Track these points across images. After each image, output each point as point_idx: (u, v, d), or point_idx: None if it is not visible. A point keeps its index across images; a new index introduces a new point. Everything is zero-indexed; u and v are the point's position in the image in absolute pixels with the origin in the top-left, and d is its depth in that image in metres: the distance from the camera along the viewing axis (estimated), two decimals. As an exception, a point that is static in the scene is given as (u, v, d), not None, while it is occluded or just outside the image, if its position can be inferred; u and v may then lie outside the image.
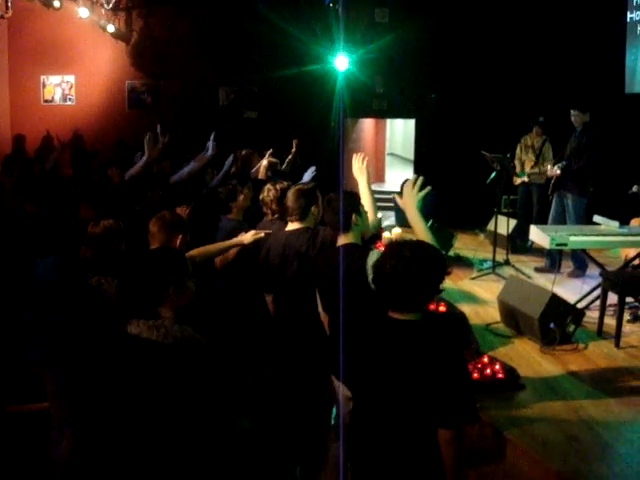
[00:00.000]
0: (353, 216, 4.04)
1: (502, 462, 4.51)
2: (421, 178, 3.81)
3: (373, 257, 3.81)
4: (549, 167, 8.62)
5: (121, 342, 3.09)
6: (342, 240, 4.08)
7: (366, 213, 4.21)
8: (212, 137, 6.88)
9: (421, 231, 3.64)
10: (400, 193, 3.89)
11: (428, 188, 3.69)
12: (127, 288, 3.19)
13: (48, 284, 4.30)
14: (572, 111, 8.44)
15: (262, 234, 4.79)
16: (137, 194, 5.88)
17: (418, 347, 2.78)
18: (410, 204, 3.73)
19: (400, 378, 2.78)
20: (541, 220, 9.01)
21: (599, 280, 6.71)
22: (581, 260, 8.32)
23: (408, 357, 2.77)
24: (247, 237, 4.80)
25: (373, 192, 4.48)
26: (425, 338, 2.82)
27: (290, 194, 4.68)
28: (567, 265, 8.59)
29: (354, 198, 4.16)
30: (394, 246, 2.94)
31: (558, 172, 8.27)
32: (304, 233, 4.60)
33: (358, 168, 4.48)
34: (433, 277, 2.85)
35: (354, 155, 4.53)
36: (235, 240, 4.87)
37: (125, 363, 3.08)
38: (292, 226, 4.70)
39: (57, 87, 14.35)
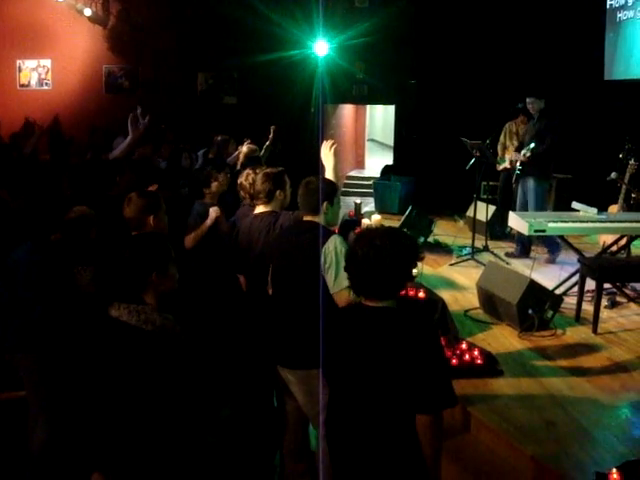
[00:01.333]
0: (324, 204, 4.04)
1: (468, 436, 4.59)
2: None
3: (334, 242, 3.84)
4: (513, 155, 8.75)
5: (100, 324, 3.07)
6: (308, 218, 4.11)
7: (339, 206, 4.23)
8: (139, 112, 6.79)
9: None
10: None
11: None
12: (109, 274, 3.17)
13: (24, 270, 4.26)
14: (528, 98, 8.59)
15: (218, 211, 5.41)
16: (108, 179, 5.83)
17: (393, 333, 2.78)
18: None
19: (376, 365, 2.77)
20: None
21: (577, 266, 6.74)
22: (554, 244, 8.37)
23: (383, 344, 2.77)
24: (211, 215, 5.47)
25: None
26: (400, 324, 2.82)
27: (258, 177, 4.73)
28: (538, 252, 8.71)
29: (330, 186, 4.16)
30: (365, 234, 2.96)
31: (528, 155, 8.33)
32: (268, 216, 4.61)
33: (325, 154, 4.56)
34: (405, 264, 2.86)
35: (324, 141, 4.60)
36: (208, 220, 5.44)
37: (102, 345, 3.06)
38: (258, 209, 4.74)
39: (33, 71, 14.17)
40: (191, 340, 3.17)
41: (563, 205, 8.99)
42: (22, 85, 14.23)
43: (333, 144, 4.56)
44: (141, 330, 2.98)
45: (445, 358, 2.88)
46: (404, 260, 2.85)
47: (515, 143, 9.75)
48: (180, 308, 3.30)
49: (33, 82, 14.22)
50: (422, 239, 9.15)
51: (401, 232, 3.05)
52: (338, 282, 3.73)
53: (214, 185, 5.80)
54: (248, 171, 5.31)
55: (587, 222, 6.79)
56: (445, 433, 2.90)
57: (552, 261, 8.37)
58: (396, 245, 2.83)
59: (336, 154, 4.55)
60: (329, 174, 4.47)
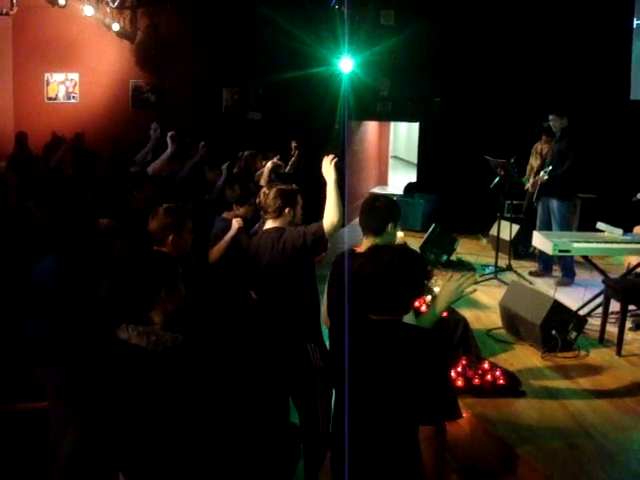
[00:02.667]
0: (389, 224, 4.03)
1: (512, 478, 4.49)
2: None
3: None
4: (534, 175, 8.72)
5: (110, 346, 3.06)
6: (368, 242, 4.04)
7: (398, 228, 4.22)
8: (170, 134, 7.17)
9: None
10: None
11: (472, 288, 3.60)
12: (118, 291, 3.15)
13: (47, 281, 4.29)
14: (550, 116, 8.49)
15: (241, 222, 5.44)
16: (128, 191, 5.90)
17: (398, 344, 2.78)
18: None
19: (380, 377, 2.77)
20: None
21: (601, 287, 6.68)
22: (570, 270, 8.32)
23: (388, 354, 2.77)
24: (234, 226, 5.47)
25: (341, 194, 4.42)
26: (404, 335, 2.82)
27: (270, 192, 4.70)
28: (559, 271, 8.65)
29: (397, 207, 4.15)
30: (374, 250, 2.97)
31: (545, 177, 8.30)
32: (274, 233, 4.60)
33: (326, 169, 4.46)
34: (413, 281, 2.87)
35: (325, 156, 4.52)
36: (230, 232, 5.47)
37: (114, 368, 3.05)
38: (268, 224, 4.73)
39: (61, 85, 14.32)
40: (202, 358, 3.16)
41: (588, 225, 8.92)
42: (50, 98, 14.38)
43: (333, 159, 4.45)
44: (152, 352, 2.95)
45: (448, 370, 2.87)
46: (412, 277, 2.86)
47: (539, 162, 9.72)
48: (190, 324, 3.28)
49: (61, 95, 14.37)
50: (445, 257, 9.12)
51: (410, 250, 3.05)
52: None
53: (246, 207, 5.82)
54: (265, 190, 5.34)
55: (612, 243, 6.74)
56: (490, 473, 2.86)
57: (566, 284, 8.27)
58: (404, 262, 2.85)
59: (337, 168, 4.48)
60: (330, 189, 4.37)
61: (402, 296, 2.87)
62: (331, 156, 4.52)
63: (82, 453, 4.32)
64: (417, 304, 5.49)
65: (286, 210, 4.65)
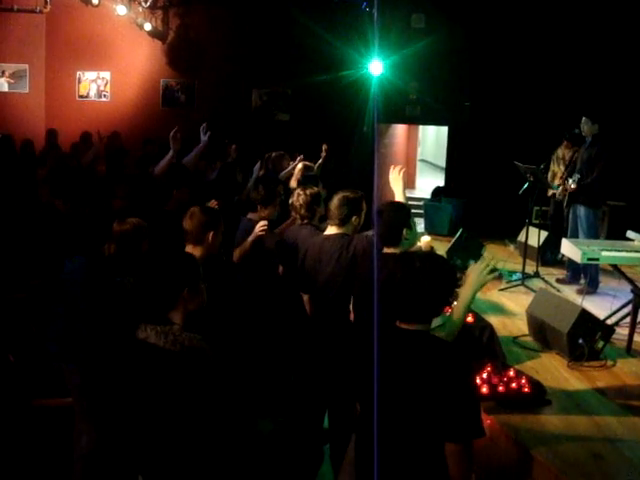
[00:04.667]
0: (404, 230, 4.03)
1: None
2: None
3: None
4: (563, 181, 8.60)
5: (129, 346, 3.08)
6: (390, 251, 4.06)
7: (415, 225, 4.21)
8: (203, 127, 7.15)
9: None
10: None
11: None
12: (141, 290, 3.17)
13: (73, 283, 4.33)
14: (583, 118, 8.37)
15: (266, 225, 5.27)
16: (164, 193, 5.91)
17: (425, 359, 2.76)
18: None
19: (407, 389, 2.75)
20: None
21: (630, 297, 6.60)
22: (594, 279, 8.23)
23: (415, 368, 2.76)
24: (256, 229, 5.27)
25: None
26: (433, 350, 2.80)
27: (336, 199, 4.70)
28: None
29: (405, 211, 4.15)
30: (405, 257, 2.96)
31: (573, 187, 8.21)
32: (340, 239, 4.61)
33: (394, 178, 4.57)
34: (443, 289, 2.86)
35: (392, 166, 4.63)
36: (252, 235, 5.31)
37: (132, 367, 3.07)
38: (330, 230, 4.73)
39: (92, 83, 14.47)
40: (221, 358, 3.17)
41: (616, 233, 8.83)
42: (81, 96, 14.53)
43: (402, 169, 4.59)
44: (169, 352, 2.97)
45: (475, 387, 2.85)
46: (443, 285, 2.85)
47: (562, 168, 9.63)
48: (210, 325, 3.29)
49: (92, 93, 14.51)
50: (472, 262, 9.07)
51: (440, 257, 3.06)
52: None
53: (270, 208, 5.79)
54: (298, 191, 5.33)
55: (642, 252, 6.67)
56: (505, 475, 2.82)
57: (588, 293, 8.15)
58: (435, 269, 2.83)
59: (404, 178, 4.56)
60: (399, 198, 4.50)
61: (432, 303, 2.86)
62: (399, 166, 4.63)
63: (99, 452, 4.36)
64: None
65: (353, 218, 4.66)
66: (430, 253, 3.04)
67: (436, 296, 2.84)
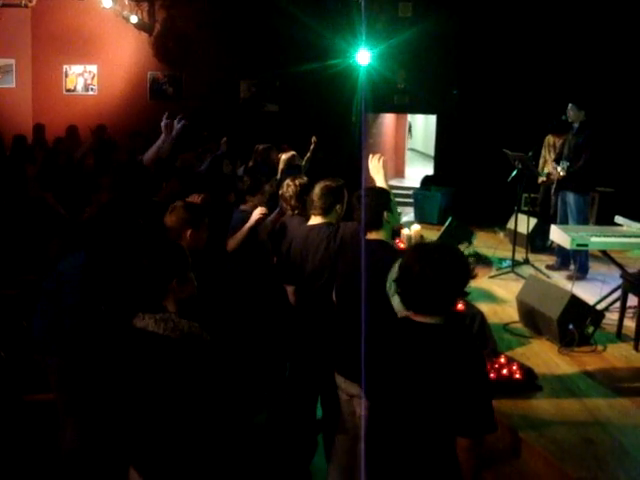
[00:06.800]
0: (385, 213, 4.03)
1: (517, 462, 4.49)
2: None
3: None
4: (551, 167, 8.60)
5: (126, 335, 3.09)
6: (372, 235, 4.07)
7: (396, 207, 4.21)
8: (178, 118, 7.06)
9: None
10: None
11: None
12: (131, 281, 3.18)
13: (71, 276, 4.30)
14: (569, 105, 8.38)
15: (265, 210, 5.27)
16: (155, 185, 5.89)
17: (440, 352, 2.75)
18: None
19: (420, 382, 2.74)
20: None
21: (619, 282, 6.64)
22: (584, 265, 8.28)
23: (429, 362, 2.74)
24: (254, 215, 5.28)
25: (391, 187, 4.52)
26: (448, 344, 2.78)
27: (317, 189, 4.71)
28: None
29: (385, 194, 4.15)
30: (422, 248, 2.92)
31: (562, 174, 8.24)
32: (325, 228, 4.62)
33: (374, 167, 4.58)
34: (460, 281, 2.82)
35: (370, 154, 4.64)
36: (249, 222, 5.31)
37: (130, 356, 3.08)
38: (314, 220, 4.73)
39: (79, 77, 14.40)
40: (219, 345, 3.18)
41: (605, 219, 8.86)
42: (68, 90, 14.46)
43: (381, 157, 4.58)
44: (168, 338, 2.98)
45: (489, 382, 2.82)
46: (460, 276, 2.82)
47: (552, 156, 9.66)
48: (203, 313, 3.30)
49: (79, 87, 14.45)
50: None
51: (456, 248, 3.02)
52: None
53: (258, 196, 5.80)
54: (288, 182, 5.33)
55: (631, 237, 6.69)
56: (495, 457, 2.84)
57: (578, 279, 8.19)
58: (453, 261, 2.80)
59: (385, 166, 4.56)
60: (381, 186, 4.48)
61: (450, 295, 2.83)
62: (378, 155, 4.63)
63: (84, 447, 4.35)
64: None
65: (337, 207, 4.68)
66: (446, 244, 3.00)
67: (454, 288, 2.81)
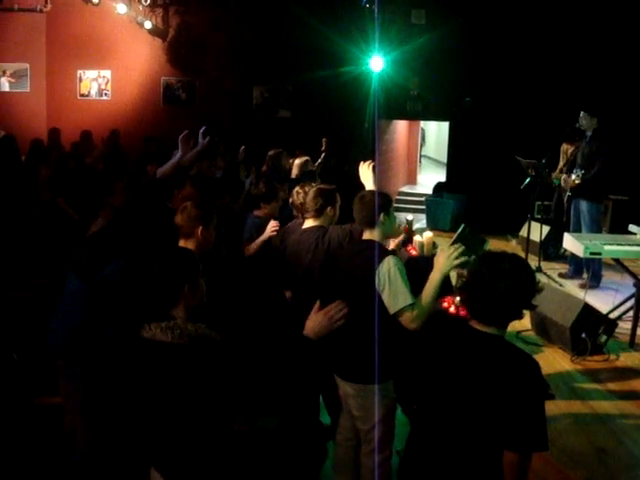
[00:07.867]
0: (381, 215, 4.05)
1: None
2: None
3: (388, 263, 3.83)
4: (564, 176, 8.56)
5: (135, 346, 3.07)
6: (366, 235, 4.11)
7: (395, 218, 4.23)
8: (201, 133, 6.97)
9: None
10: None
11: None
12: (143, 290, 3.16)
13: (110, 284, 4.29)
14: (581, 113, 8.32)
15: (277, 225, 5.26)
16: (166, 190, 5.90)
17: (499, 363, 2.70)
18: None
19: (475, 391, 2.70)
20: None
21: (632, 290, 6.60)
22: (597, 274, 8.22)
23: (488, 371, 2.69)
24: (268, 230, 5.29)
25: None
26: (508, 356, 2.73)
27: (310, 192, 4.79)
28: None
29: (385, 198, 4.17)
30: (493, 257, 2.85)
31: (577, 182, 8.18)
32: (316, 231, 4.67)
33: (363, 173, 4.72)
34: (528, 292, 2.77)
35: (361, 162, 4.77)
36: (263, 235, 5.34)
37: (140, 367, 3.07)
38: (307, 223, 4.80)
39: (93, 82, 14.47)
40: (229, 346, 3.16)
41: (619, 227, 8.83)
42: (82, 95, 14.53)
43: (370, 163, 4.71)
44: (177, 345, 2.95)
45: (543, 399, 2.73)
46: (528, 288, 2.77)
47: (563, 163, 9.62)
48: (212, 318, 3.28)
49: (93, 92, 14.51)
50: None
51: (524, 259, 2.96)
52: (396, 302, 3.73)
53: (273, 204, 5.79)
54: (298, 189, 5.34)
55: (644, 246, 6.66)
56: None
57: (591, 287, 8.13)
58: (523, 272, 2.76)
59: (374, 171, 4.67)
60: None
61: (515, 306, 2.77)
62: (368, 161, 4.74)
63: (97, 451, 4.35)
64: (445, 304, 5.47)
65: (327, 209, 4.72)
66: (516, 255, 2.91)
67: (520, 299, 2.76)
